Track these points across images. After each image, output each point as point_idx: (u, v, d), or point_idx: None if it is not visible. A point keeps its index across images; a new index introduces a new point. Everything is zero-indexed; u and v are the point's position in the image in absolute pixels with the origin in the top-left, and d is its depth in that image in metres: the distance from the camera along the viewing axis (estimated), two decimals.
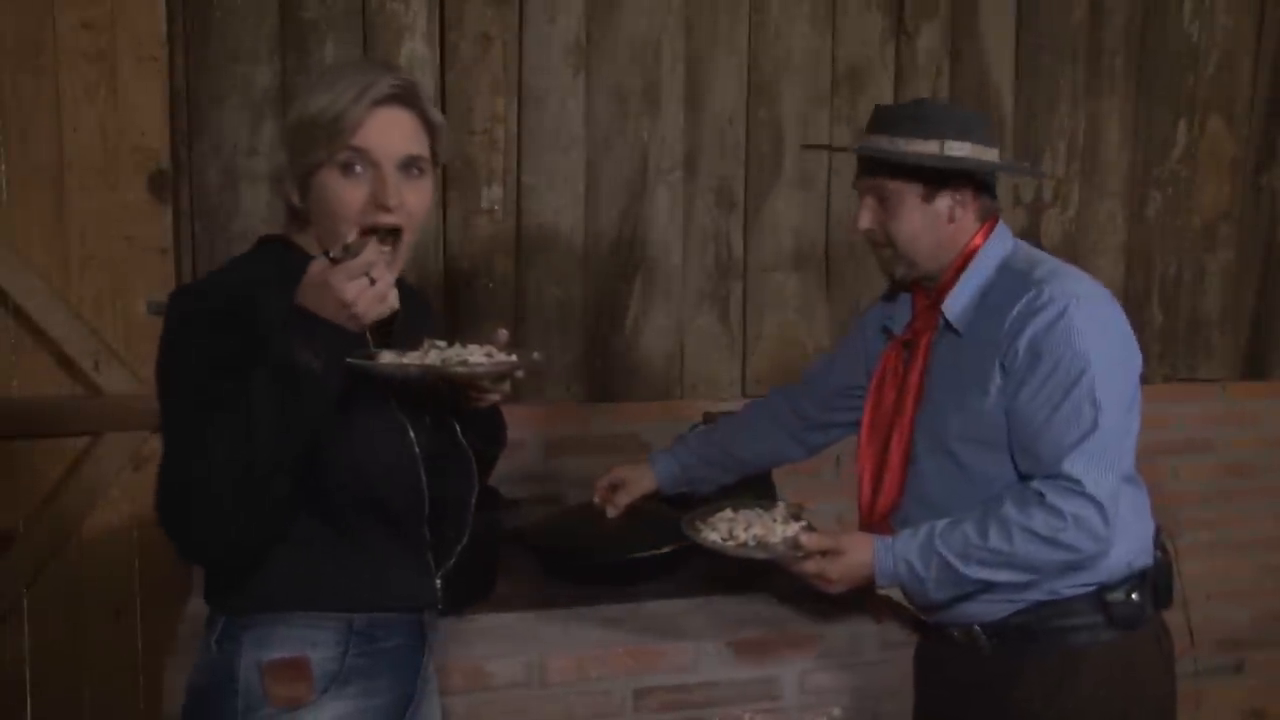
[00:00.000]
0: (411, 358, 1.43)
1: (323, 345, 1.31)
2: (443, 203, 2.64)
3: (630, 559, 2.30)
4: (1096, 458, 1.64)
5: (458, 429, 1.57)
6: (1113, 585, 1.75)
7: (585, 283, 2.75)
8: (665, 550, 2.32)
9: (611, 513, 2.22)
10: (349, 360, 1.36)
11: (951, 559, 1.70)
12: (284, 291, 1.36)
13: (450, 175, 2.64)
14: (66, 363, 2.46)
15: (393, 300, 1.33)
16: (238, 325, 1.36)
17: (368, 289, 1.31)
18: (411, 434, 1.49)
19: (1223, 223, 3.17)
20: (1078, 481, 1.64)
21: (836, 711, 2.17)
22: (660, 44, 2.73)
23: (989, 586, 1.73)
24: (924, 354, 1.84)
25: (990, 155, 1.81)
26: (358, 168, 1.40)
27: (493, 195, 2.68)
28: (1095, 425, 1.64)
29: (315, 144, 1.40)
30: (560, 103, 2.68)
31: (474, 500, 1.60)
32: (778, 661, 2.14)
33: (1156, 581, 1.80)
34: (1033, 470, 1.70)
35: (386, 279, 1.32)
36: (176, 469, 1.32)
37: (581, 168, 2.72)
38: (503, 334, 1.51)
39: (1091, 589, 1.75)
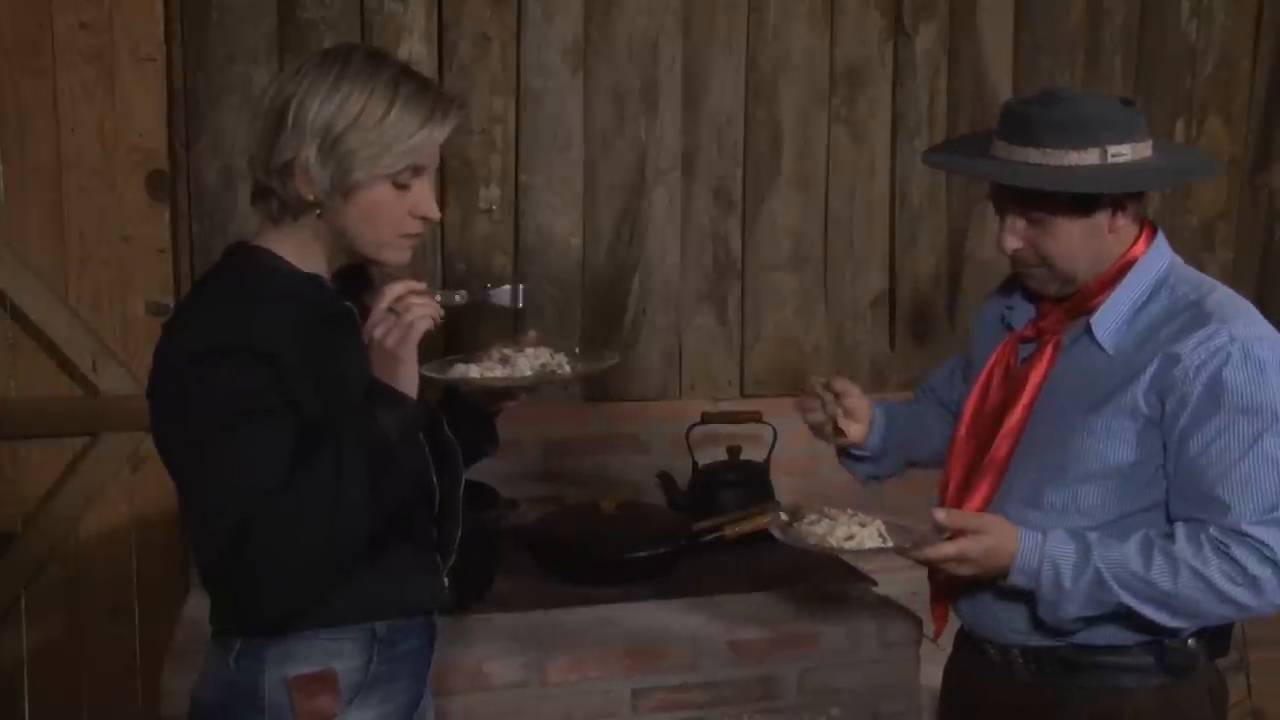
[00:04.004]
0: (489, 366, 1.50)
1: (394, 417, 1.34)
2: (441, 202, 2.62)
3: (629, 558, 2.30)
4: None
5: (444, 422, 1.57)
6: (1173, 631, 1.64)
7: (583, 282, 2.75)
8: (664, 550, 2.32)
9: (815, 414, 1.84)
10: (467, 379, 1.46)
11: (1108, 576, 1.55)
12: (284, 310, 1.36)
13: (448, 175, 2.64)
14: (64, 363, 2.45)
15: (420, 327, 1.35)
16: (256, 359, 1.33)
17: (394, 325, 1.33)
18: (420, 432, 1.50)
19: (1221, 222, 3.17)
20: (1269, 547, 1.52)
21: (835, 711, 2.17)
22: (658, 44, 2.73)
23: (1123, 617, 1.60)
24: (1050, 358, 1.68)
25: (1146, 150, 1.61)
26: (412, 183, 1.41)
27: (491, 195, 2.67)
28: None
29: (380, 157, 1.37)
30: (559, 102, 2.68)
31: (461, 492, 1.60)
32: (776, 661, 2.14)
33: (1216, 629, 1.67)
34: (1203, 516, 1.55)
35: (415, 310, 1.34)
36: (246, 534, 1.30)
37: (580, 167, 2.72)
38: (533, 335, 1.54)
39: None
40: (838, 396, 1.81)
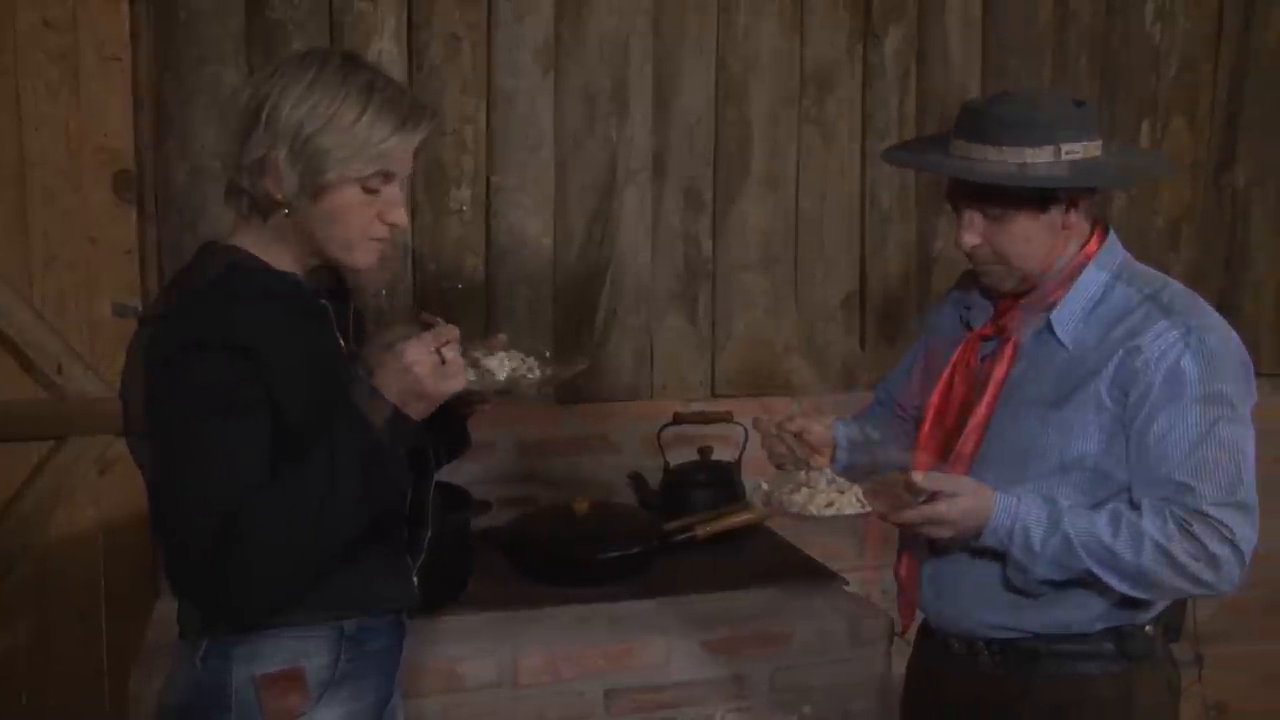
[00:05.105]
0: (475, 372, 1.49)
1: (388, 429, 1.34)
2: (412, 204, 2.63)
3: (601, 559, 2.30)
4: (1245, 510, 1.59)
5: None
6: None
7: (554, 283, 2.75)
8: (636, 550, 2.33)
9: (781, 452, 1.83)
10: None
11: (1076, 543, 1.59)
12: (262, 306, 1.36)
13: (419, 176, 2.63)
14: (28, 365, 2.43)
15: (456, 385, 1.37)
16: (234, 353, 1.33)
17: (438, 367, 1.35)
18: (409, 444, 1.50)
19: (1185, 223, 3.21)
20: (1229, 528, 1.57)
21: (807, 709, 2.19)
22: (629, 44, 2.73)
23: (1091, 584, 1.64)
24: (1011, 355, 1.72)
25: (1096, 149, 1.67)
26: (381, 188, 1.41)
27: (462, 196, 2.67)
28: (1240, 476, 1.59)
29: (351, 160, 1.37)
30: (529, 103, 2.68)
31: (431, 493, 1.60)
32: (748, 660, 2.15)
33: (1170, 617, 1.74)
34: (1166, 497, 1.60)
35: (457, 362, 1.36)
36: (237, 530, 1.30)
37: (551, 168, 2.71)
38: (502, 338, 1.53)
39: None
40: (796, 436, 1.81)
